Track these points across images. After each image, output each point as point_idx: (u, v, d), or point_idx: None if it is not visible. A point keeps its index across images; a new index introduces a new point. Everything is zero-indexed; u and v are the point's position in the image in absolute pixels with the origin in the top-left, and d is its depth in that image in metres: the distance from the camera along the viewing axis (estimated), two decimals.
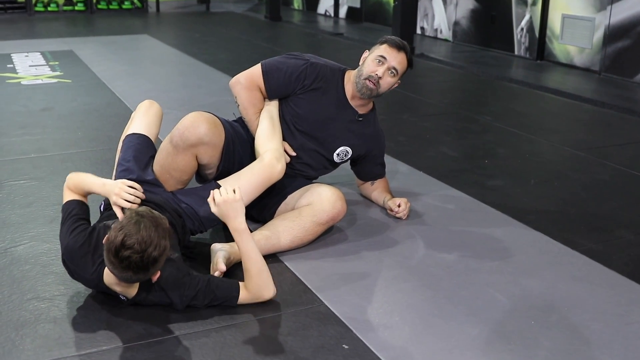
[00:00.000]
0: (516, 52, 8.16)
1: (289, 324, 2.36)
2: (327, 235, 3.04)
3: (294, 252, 2.87)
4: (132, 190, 2.52)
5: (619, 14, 6.78)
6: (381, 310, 2.46)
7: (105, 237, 2.21)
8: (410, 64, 3.07)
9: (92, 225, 2.52)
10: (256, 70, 3.08)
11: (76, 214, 2.51)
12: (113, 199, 2.50)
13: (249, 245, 2.44)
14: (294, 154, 3.06)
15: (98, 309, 2.41)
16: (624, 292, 2.64)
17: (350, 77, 3.11)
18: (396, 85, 3.09)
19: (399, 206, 3.23)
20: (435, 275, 2.73)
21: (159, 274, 2.25)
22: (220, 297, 2.40)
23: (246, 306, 2.43)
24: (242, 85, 3.08)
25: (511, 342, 2.28)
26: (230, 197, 2.42)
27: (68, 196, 2.61)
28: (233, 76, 3.15)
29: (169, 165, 2.89)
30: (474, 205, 3.48)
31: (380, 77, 2.99)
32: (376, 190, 3.39)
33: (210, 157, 2.94)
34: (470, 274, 2.75)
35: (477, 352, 2.23)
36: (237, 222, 2.43)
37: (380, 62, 3.00)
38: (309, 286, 2.61)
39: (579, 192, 3.73)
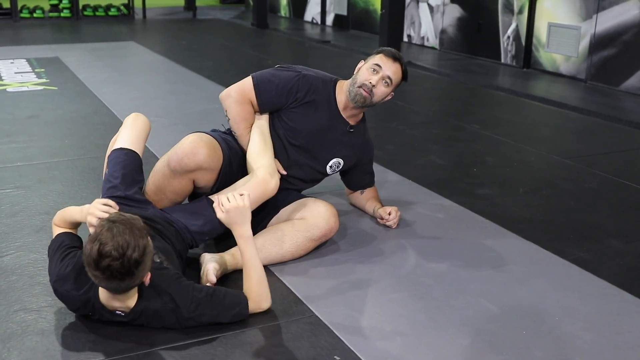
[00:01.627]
0: (502, 60, 8.20)
1: (280, 335, 2.34)
2: (318, 246, 3.02)
3: (283, 262, 2.84)
4: (105, 207, 2.44)
5: (605, 22, 6.84)
6: (372, 321, 2.44)
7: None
8: (404, 76, 3.07)
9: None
10: (247, 83, 3.03)
11: (65, 244, 2.45)
12: (87, 219, 2.43)
13: (254, 252, 2.45)
14: (285, 172, 3.04)
15: (86, 321, 2.37)
16: (614, 302, 2.64)
17: (342, 87, 3.10)
18: (389, 97, 3.08)
19: (389, 214, 3.22)
20: (426, 285, 2.72)
21: (149, 275, 2.18)
22: (229, 305, 2.34)
23: None
24: (233, 99, 3.02)
25: (503, 352, 2.28)
26: (239, 204, 2.43)
27: (56, 231, 2.57)
28: (221, 84, 3.16)
29: (165, 187, 2.86)
30: (464, 214, 3.48)
31: (374, 86, 2.98)
32: (366, 199, 3.38)
33: (207, 180, 2.91)
34: (461, 283, 2.74)
35: None
36: (244, 228, 2.44)
37: (375, 71, 3.00)
38: (299, 297, 2.59)
39: (567, 201, 3.74)
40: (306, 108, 3.04)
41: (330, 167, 3.15)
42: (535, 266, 2.93)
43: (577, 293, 2.70)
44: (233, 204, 2.42)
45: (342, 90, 3.08)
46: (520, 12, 7.84)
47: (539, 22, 7.69)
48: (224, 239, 3.02)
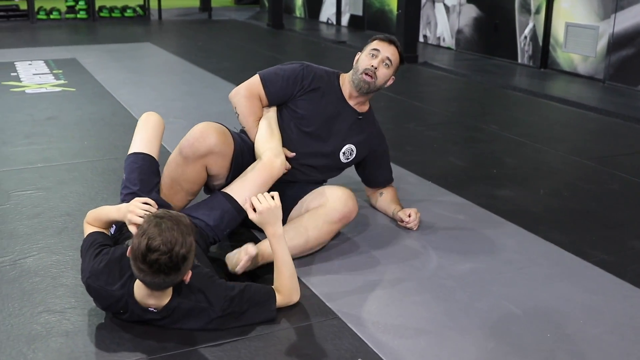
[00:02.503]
0: (519, 61, 8.16)
1: (303, 337, 2.34)
2: (339, 247, 3.03)
3: (306, 265, 2.85)
4: (145, 206, 2.46)
5: (624, 22, 6.78)
6: (396, 323, 2.43)
7: (128, 249, 2.18)
8: (402, 58, 3.14)
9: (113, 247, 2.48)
10: (254, 79, 3.13)
11: (98, 242, 2.47)
12: (128, 217, 2.44)
13: (285, 249, 2.51)
14: (292, 154, 3.08)
15: (110, 323, 2.38)
16: (639, 304, 2.62)
17: (345, 78, 3.18)
18: (391, 81, 3.14)
19: (409, 216, 3.22)
20: (448, 287, 2.71)
21: (190, 273, 2.20)
22: (258, 300, 2.39)
23: None
24: (241, 94, 3.12)
25: (528, 356, 2.26)
26: (271, 204, 2.48)
27: (88, 229, 2.58)
28: (237, 84, 3.19)
29: (179, 176, 2.90)
30: (485, 215, 3.46)
31: (376, 68, 3.05)
32: (385, 201, 3.38)
33: (220, 167, 2.95)
34: (484, 285, 2.73)
35: None
36: (276, 227, 2.49)
37: (374, 56, 3.08)
38: (322, 299, 2.58)
39: (589, 203, 3.71)
40: (313, 95, 3.11)
41: (344, 153, 3.16)
42: (557, 268, 2.91)
43: (600, 296, 2.68)
44: (265, 205, 2.47)
45: (346, 81, 3.16)
46: (538, 12, 7.79)
47: (556, 22, 7.64)
48: (238, 237, 3.02)
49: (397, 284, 2.72)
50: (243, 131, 3.16)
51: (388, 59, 3.07)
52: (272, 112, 3.13)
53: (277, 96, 3.11)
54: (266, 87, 3.09)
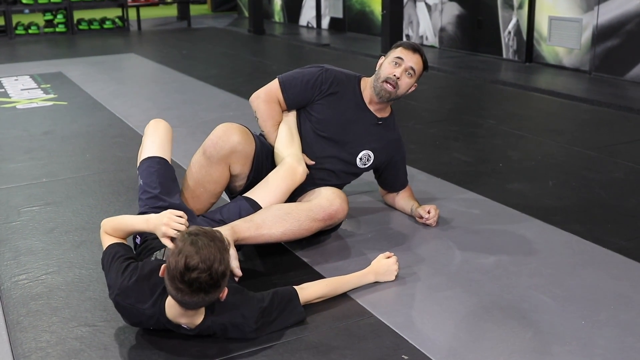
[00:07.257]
0: (504, 56, 8.24)
1: (343, 337, 2.34)
2: (361, 246, 3.04)
3: (335, 267, 2.85)
4: (182, 220, 2.40)
5: (607, 13, 6.88)
6: (433, 319, 2.45)
7: (162, 268, 2.14)
8: (425, 66, 3.12)
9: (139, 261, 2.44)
10: (274, 84, 3.14)
11: (122, 255, 2.40)
12: (162, 230, 2.38)
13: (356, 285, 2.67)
14: (312, 162, 3.07)
15: (147, 334, 2.36)
16: None
17: (366, 82, 3.16)
18: (413, 88, 3.13)
19: (428, 213, 3.23)
20: (477, 281, 2.73)
21: (226, 290, 2.16)
22: (286, 304, 2.38)
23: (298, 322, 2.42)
24: (261, 99, 3.13)
25: (566, 343, 2.29)
26: (396, 267, 2.74)
27: (107, 241, 2.49)
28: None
29: (203, 178, 2.90)
30: (499, 209, 3.49)
31: (398, 78, 3.03)
32: (403, 198, 3.39)
33: (242, 165, 2.96)
34: (510, 277, 2.75)
35: (536, 355, 2.22)
36: (377, 279, 2.71)
37: (397, 64, 3.05)
38: (355, 299, 2.59)
39: (598, 191, 3.76)
40: (331, 99, 3.10)
41: (360, 159, 3.16)
42: (579, 257, 2.95)
43: (626, 282, 2.71)
44: (397, 267, 2.74)
45: (367, 86, 3.14)
46: (520, 6, 7.88)
47: (540, 16, 7.74)
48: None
49: (427, 280, 2.74)
50: (262, 135, 3.16)
51: (411, 68, 3.04)
52: (291, 117, 3.13)
53: (295, 100, 3.12)
54: (285, 91, 3.10)
